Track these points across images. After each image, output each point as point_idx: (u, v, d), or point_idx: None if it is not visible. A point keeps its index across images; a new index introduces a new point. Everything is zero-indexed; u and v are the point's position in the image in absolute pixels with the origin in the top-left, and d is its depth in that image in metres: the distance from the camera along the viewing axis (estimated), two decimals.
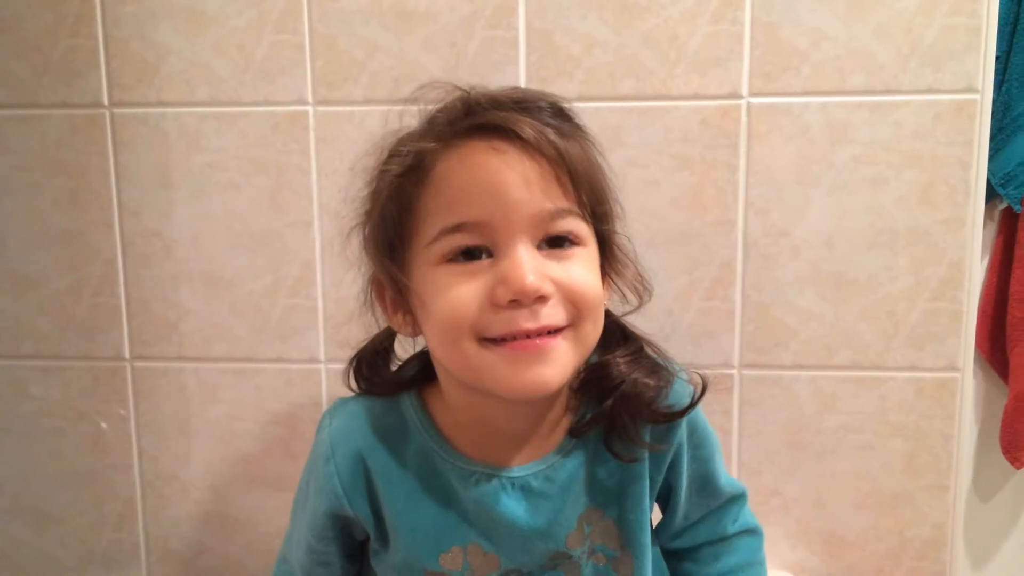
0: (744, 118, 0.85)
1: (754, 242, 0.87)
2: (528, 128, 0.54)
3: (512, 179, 0.54)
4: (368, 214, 0.61)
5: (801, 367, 0.89)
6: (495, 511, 0.62)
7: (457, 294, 0.55)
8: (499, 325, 0.54)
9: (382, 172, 0.59)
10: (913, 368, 0.88)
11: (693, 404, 0.64)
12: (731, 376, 0.90)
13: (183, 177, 0.90)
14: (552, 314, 0.55)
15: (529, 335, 0.55)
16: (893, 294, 0.87)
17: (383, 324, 0.68)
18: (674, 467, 0.67)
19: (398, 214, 0.57)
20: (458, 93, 0.59)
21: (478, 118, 0.56)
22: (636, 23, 0.85)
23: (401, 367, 0.69)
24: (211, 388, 0.94)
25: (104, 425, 0.95)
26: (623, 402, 0.61)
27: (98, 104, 0.90)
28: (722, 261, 0.88)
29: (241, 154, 0.89)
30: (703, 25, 0.84)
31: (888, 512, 0.90)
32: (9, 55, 0.90)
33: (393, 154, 0.59)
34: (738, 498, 0.72)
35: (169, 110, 0.89)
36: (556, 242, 0.56)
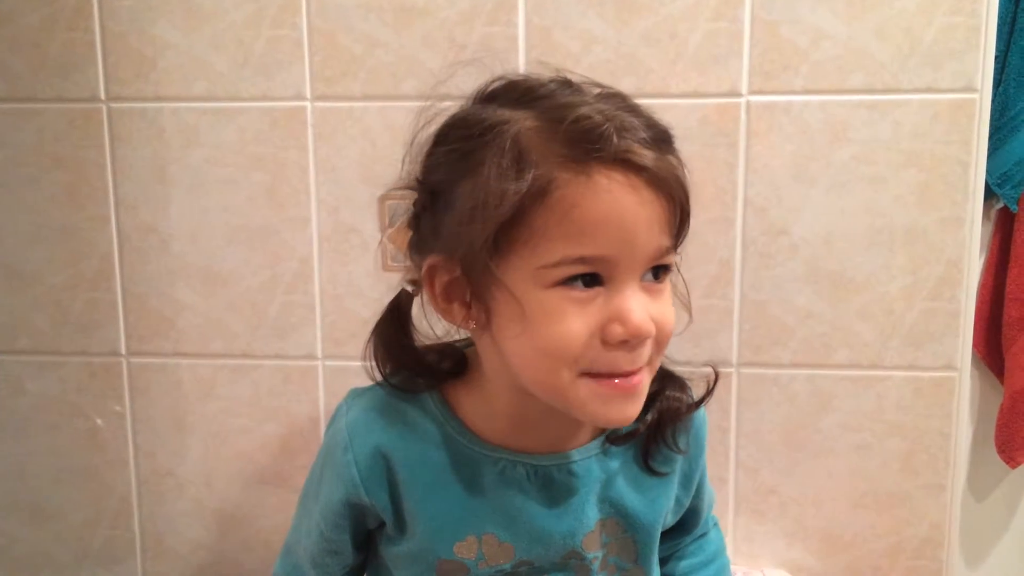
0: (743, 116, 0.85)
1: (752, 240, 0.87)
2: (661, 167, 0.54)
3: (643, 219, 0.54)
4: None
5: (799, 366, 0.89)
6: (516, 498, 0.63)
7: (570, 326, 0.54)
8: (603, 363, 0.54)
9: (491, 173, 0.54)
10: (911, 367, 0.88)
11: (710, 392, 0.67)
12: (729, 374, 0.90)
13: (180, 172, 0.90)
14: (645, 353, 0.56)
15: (626, 375, 0.55)
16: (891, 293, 0.87)
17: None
18: (700, 488, 0.71)
19: (508, 221, 0.54)
20: (585, 103, 0.56)
21: (618, 149, 0.53)
22: (636, 20, 0.85)
23: (424, 356, 0.67)
24: (208, 384, 0.93)
25: (100, 421, 0.95)
26: (659, 416, 0.64)
27: (95, 98, 0.89)
28: (720, 259, 0.88)
29: (239, 150, 0.89)
30: (703, 23, 0.84)
31: (885, 511, 0.91)
32: (6, 49, 0.89)
33: (503, 156, 0.54)
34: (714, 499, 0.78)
35: (166, 105, 0.89)
36: (653, 273, 0.57)
